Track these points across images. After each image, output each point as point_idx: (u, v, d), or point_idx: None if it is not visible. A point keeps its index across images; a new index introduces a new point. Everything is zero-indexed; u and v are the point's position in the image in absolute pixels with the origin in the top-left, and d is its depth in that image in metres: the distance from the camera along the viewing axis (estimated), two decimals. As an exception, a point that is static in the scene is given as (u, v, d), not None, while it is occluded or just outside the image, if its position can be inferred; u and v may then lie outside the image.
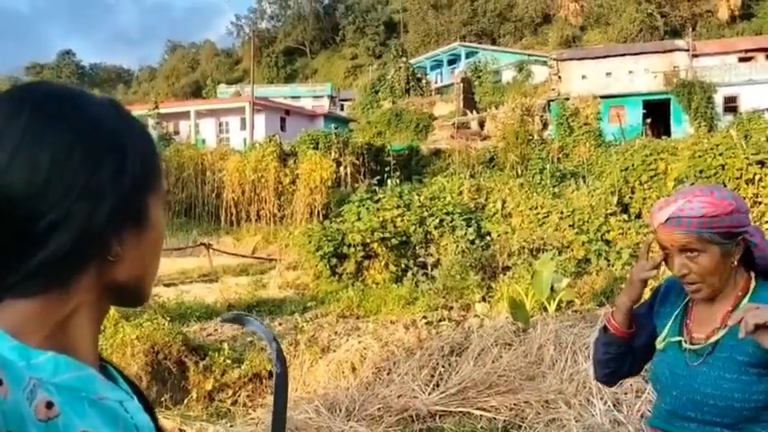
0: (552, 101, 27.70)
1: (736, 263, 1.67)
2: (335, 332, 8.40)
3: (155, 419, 0.85)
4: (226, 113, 36.57)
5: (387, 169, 18.73)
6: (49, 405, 0.66)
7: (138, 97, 68.51)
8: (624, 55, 29.92)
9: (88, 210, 0.71)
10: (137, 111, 34.42)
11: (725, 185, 12.78)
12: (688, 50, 29.12)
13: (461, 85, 35.61)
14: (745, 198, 12.59)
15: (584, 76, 29.06)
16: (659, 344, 1.79)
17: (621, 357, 1.91)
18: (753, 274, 1.72)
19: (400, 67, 43.50)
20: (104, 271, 0.75)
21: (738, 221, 1.63)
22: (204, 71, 75.20)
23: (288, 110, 37.94)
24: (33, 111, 0.72)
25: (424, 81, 44.16)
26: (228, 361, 7.34)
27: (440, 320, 8.67)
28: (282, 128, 34.70)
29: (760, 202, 12.50)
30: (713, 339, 1.68)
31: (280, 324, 9.59)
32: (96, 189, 0.72)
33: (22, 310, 0.72)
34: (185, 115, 35.94)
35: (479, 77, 41.69)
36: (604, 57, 30.23)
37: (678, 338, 1.76)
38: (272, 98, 41.22)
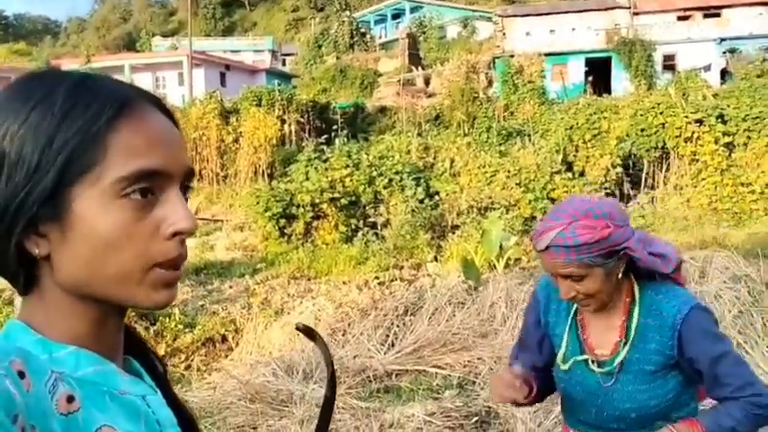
0: (497, 58, 27.79)
1: (621, 274, 1.66)
2: (288, 294, 8.36)
3: (183, 414, 0.84)
4: (162, 68, 35.29)
5: (334, 127, 18.49)
6: (70, 399, 0.67)
7: (66, 50, 65.35)
8: (567, 12, 30.16)
9: None
10: (67, 65, 32.87)
11: (664, 145, 13.20)
12: (629, 8, 29.55)
13: (406, 40, 35.28)
14: (683, 156, 13.10)
15: (528, 33, 29.24)
16: (563, 364, 1.76)
17: (545, 385, 1.86)
18: (633, 277, 1.72)
19: (344, 21, 42.73)
20: (50, 270, 0.71)
21: (617, 239, 1.58)
22: (137, 23, 72.14)
23: (228, 64, 36.90)
24: None
25: (368, 36, 43.57)
26: (180, 326, 7.22)
27: (392, 280, 8.73)
28: (223, 83, 33.78)
29: (698, 160, 12.97)
30: (620, 359, 1.68)
31: (230, 287, 9.47)
32: None
33: (29, 306, 0.73)
34: (119, 69, 34.47)
35: (424, 33, 41.40)
36: (548, 14, 30.40)
37: (584, 357, 1.73)
38: (210, 52, 39.99)
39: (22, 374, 0.62)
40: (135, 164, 0.69)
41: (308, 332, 1.14)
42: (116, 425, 0.70)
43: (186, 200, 0.77)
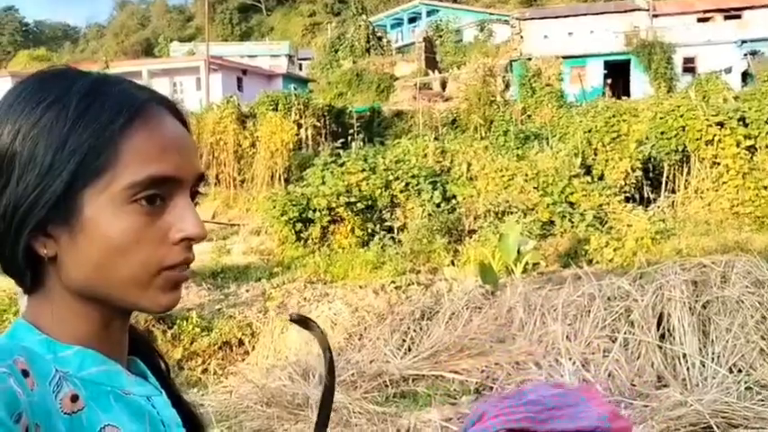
0: (514, 61, 27.66)
1: None
2: (304, 298, 8.36)
3: (188, 414, 0.84)
4: (180, 73, 35.54)
5: (350, 132, 18.49)
6: (75, 398, 0.67)
7: (86, 56, 66.13)
8: (585, 15, 29.96)
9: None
10: (85, 70, 33.10)
11: (684, 149, 13.02)
12: (648, 10, 29.28)
13: (423, 44, 35.23)
14: (704, 159, 12.92)
15: (545, 36, 29.05)
16: None
17: None
18: None
19: (360, 26, 42.77)
20: (57, 271, 0.72)
21: None
22: (155, 28, 72.88)
23: (245, 69, 37.07)
24: None
25: (384, 40, 43.58)
26: (197, 329, 7.24)
27: (408, 285, 8.69)
28: (240, 88, 33.94)
29: (719, 163, 12.78)
30: None
31: (247, 291, 9.49)
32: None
33: (34, 306, 0.74)
34: (137, 75, 34.75)
35: (441, 37, 41.34)
36: (566, 16, 30.22)
37: None
38: (227, 57, 40.21)
39: (26, 373, 0.62)
40: (147, 170, 0.70)
41: (302, 321, 1.11)
42: (120, 425, 0.70)
43: (196, 205, 0.78)
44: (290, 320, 1.09)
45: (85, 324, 0.73)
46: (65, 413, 0.66)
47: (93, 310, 0.73)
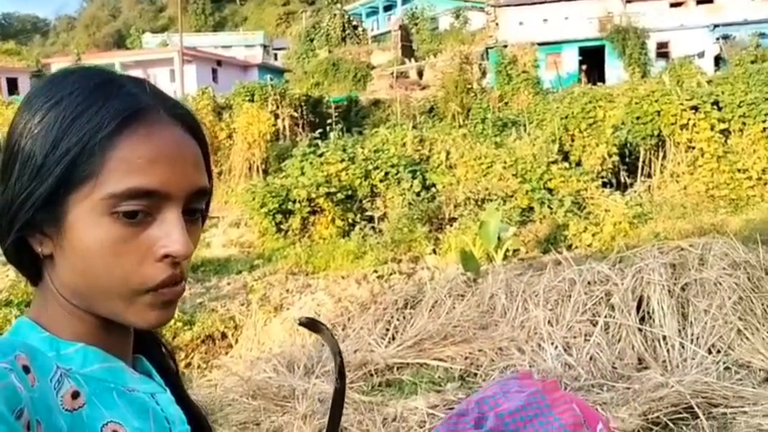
0: (490, 48, 27.71)
1: None
2: (287, 290, 8.33)
3: (192, 411, 0.84)
4: (153, 65, 35.09)
5: (328, 121, 18.41)
6: (76, 395, 0.67)
7: (57, 48, 64.99)
8: (560, 1, 30.07)
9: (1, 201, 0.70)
10: (57, 64, 32.61)
11: (660, 133, 13.16)
12: (621, -4, 29.49)
13: (399, 32, 35.14)
14: (679, 143, 13.09)
15: (521, 23, 29.15)
16: None
17: None
18: None
19: (335, 14, 42.53)
20: (51, 271, 0.72)
21: None
22: (127, 20, 71.81)
23: (219, 60, 36.74)
24: None
25: (360, 29, 43.38)
26: (179, 324, 7.20)
27: (390, 274, 8.71)
28: (215, 79, 33.64)
29: (694, 147, 12.96)
30: None
31: (228, 284, 9.44)
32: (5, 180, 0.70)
33: (37, 303, 0.74)
34: (109, 67, 34.23)
35: (416, 24, 41.25)
36: (541, 3, 30.31)
37: None
38: (201, 48, 39.81)
39: (27, 369, 0.61)
40: (127, 182, 0.67)
41: (313, 325, 1.10)
42: (124, 421, 0.70)
43: (200, 221, 0.76)
44: (300, 324, 1.08)
45: (82, 324, 0.73)
46: (66, 410, 0.65)
47: (87, 314, 0.73)
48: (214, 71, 35.25)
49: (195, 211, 0.74)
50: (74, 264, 0.69)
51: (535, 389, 1.32)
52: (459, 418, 1.30)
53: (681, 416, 4.28)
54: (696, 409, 4.26)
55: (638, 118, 13.29)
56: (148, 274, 0.69)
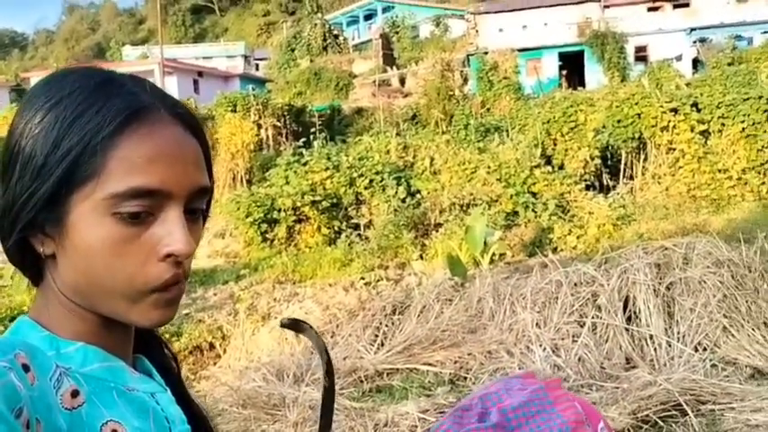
0: (471, 55, 27.89)
1: None
2: (274, 299, 8.30)
3: (192, 411, 0.84)
4: (135, 77, 34.85)
5: (311, 130, 18.41)
6: (75, 394, 0.67)
7: (35, 63, 64.48)
8: (539, 7, 30.39)
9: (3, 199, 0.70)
10: (36, 77, 32.38)
11: (641, 135, 13.32)
12: (599, 1, 29.85)
13: (380, 41, 35.28)
14: (660, 145, 13.24)
15: (500, 30, 29.41)
16: None
17: None
18: None
19: (316, 24, 42.58)
20: (53, 270, 0.72)
21: None
22: (106, 32, 71.53)
23: (201, 71, 36.61)
24: None
25: (341, 38, 43.48)
26: (166, 335, 7.13)
27: (378, 281, 8.70)
28: (196, 90, 33.51)
29: (675, 149, 13.12)
30: None
31: (215, 294, 9.39)
32: (7, 177, 0.70)
33: (38, 302, 0.75)
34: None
35: (397, 33, 41.42)
36: (520, 9, 30.61)
37: None
38: (182, 59, 39.66)
39: (26, 368, 0.61)
40: (129, 181, 0.67)
41: (296, 325, 1.09)
42: (123, 420, 0.70)
43: (201, 220, 0.76)
44: (282, 326, 1.07)
45: (83, 323, 0.73)
46: (65, 408, 0.65)
47: (89, 313, 0.73)
48: (195, 82, 35.13)
49: (196, 210, 0.74)
50: (76, 263, 0.69)
51: (538, 386, 1.34)
52: (463, 412, 1.31)
53: (670, 413, 4.32)
54: (685, 406, 4.30)
55: (618, 121, 13.43)
56: (152, 274, 0.69)
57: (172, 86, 32.27)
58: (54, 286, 0.72)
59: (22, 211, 0.69)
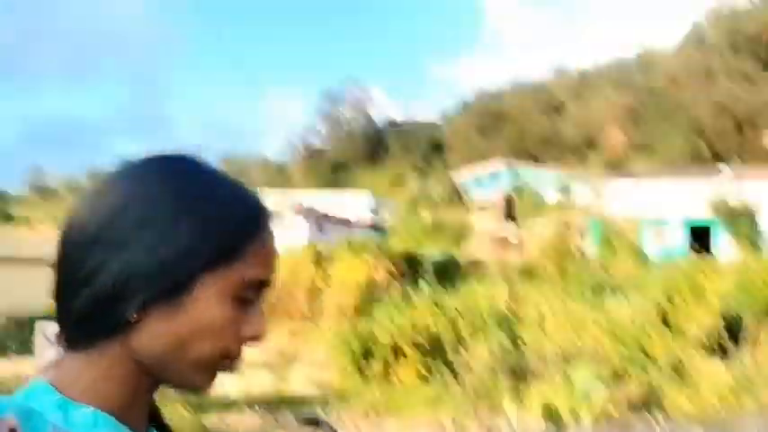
0: (594, 221, 27.50)
1: None
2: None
3: None
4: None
5: (425, 276, 18.52)
6: None
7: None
8: (668, 178, 29.81)
9: (116, 267, 0.72)
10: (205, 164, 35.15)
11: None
12: (732, 176, 28.90)
13: (503, 203, 35.83)
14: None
15: (626, 197, 28.89)
16: None
17: None
18: None
19: (443, 184, 44.10)
20: (128, 335, 0.74)
21: None
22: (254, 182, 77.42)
23: (327, 215, 38.51)
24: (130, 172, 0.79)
25: (465, 197, 44.58)
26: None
27: (469, 424, 8.22)
28: (321, 231, 35.06)
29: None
30: None
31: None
32: (126, 248, 0.72)
33: (71, 364, 0.75)
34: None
35: (521, 196, 41.90)
36: (648, 178, 30.18)
37: None
38: (312, 204, 42.00)
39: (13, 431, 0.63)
40: (258, 273, 0.78)
41: (317, 423, 1.07)
42: None
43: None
44: (304, 423, 1.06)
45: (120, 388, 0.75)
46: None
47: (138, 379, 0.76)
48: (321, 225, 36.90)
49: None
50: (177, 334, 0.74)
51: None
52: None
53: None
54: None
55: (746, 290, 12.50)
56: (233, 350, 0.78)
57: (300, 225, 34.07)
58: (120, 351, 0.74)
59: (149, 280, 0.72)
